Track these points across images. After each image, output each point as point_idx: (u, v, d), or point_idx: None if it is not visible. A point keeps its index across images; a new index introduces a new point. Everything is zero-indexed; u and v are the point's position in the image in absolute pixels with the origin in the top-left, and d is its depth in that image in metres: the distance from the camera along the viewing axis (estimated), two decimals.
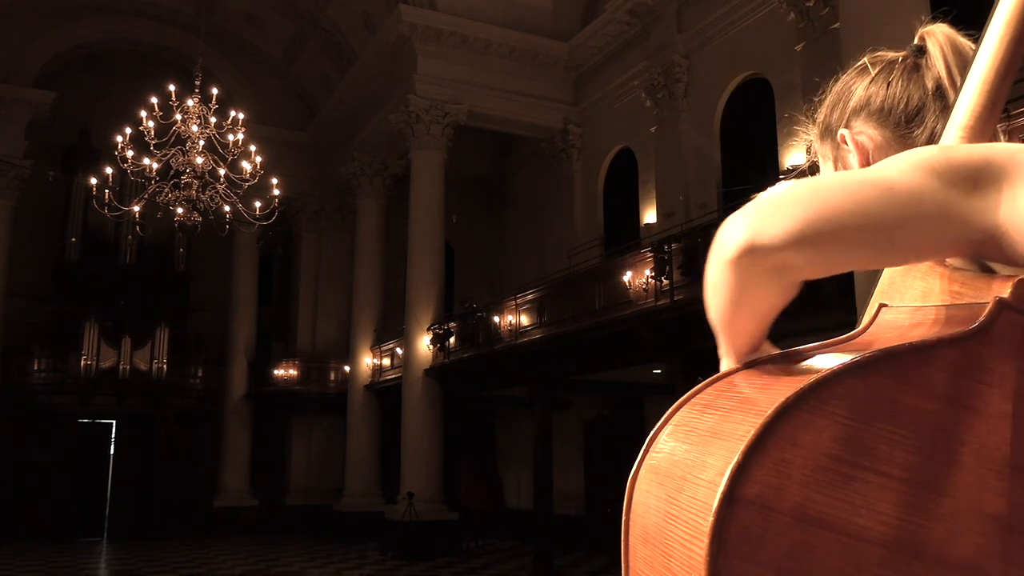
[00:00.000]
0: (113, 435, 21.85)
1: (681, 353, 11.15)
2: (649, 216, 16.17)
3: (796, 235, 0.62)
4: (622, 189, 17.44)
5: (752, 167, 13.53)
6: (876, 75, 0.96)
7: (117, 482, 21.53)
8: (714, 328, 0.74)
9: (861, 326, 0.76)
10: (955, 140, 0.80)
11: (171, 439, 21.57)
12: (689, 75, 15.31)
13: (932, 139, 0.89)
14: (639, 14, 15.96)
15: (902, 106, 0.93)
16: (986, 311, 0.63)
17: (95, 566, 16.84)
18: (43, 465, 20.07)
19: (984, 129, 0.80)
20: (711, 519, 0.58)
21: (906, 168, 0.67)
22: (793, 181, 0.68)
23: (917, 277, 0.76)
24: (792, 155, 12.87)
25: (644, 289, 11.72)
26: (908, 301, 0.75)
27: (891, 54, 0.97)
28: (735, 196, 13.52)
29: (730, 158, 14.43)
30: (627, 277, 12.25)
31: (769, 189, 0.68)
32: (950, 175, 0.66)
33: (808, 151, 1.05)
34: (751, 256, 0.64)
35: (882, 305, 0.77)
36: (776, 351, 0.75)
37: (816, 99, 1.03)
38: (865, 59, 0.99)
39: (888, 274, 0.80)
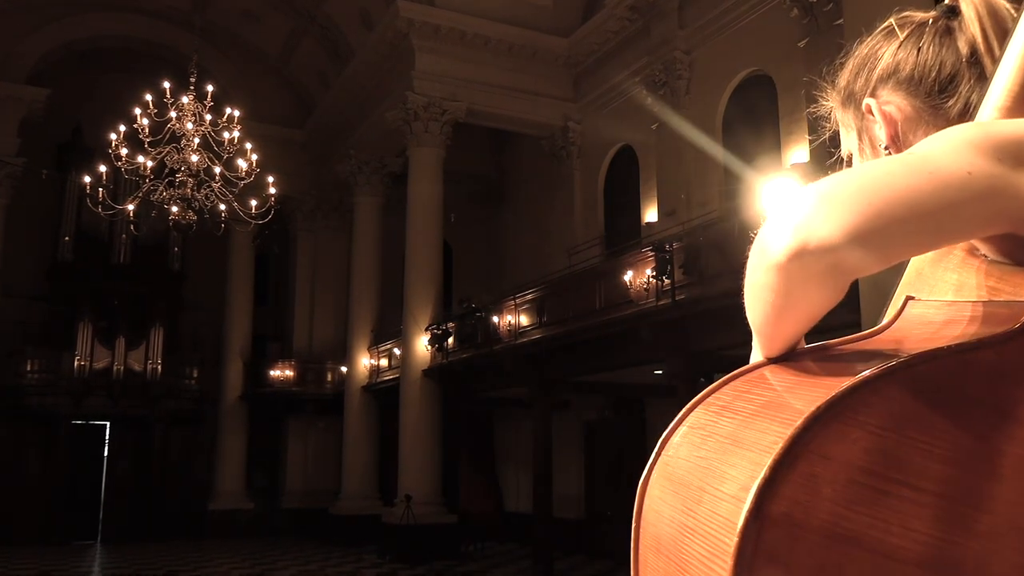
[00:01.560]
0: (107, 437, 21.84)
1: (682, 354, 11.12)
2: (650, 215, 16.15)
3: (851, 233, 0.58)
4: (623, 187, 17.42)
5: (755, 165, 13.50)
6: (905, 39, 0.90)
7: (111, 484, 21.51)
8: (753, 329, 0.70)
9: (886, 320, 0.71)
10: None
11: (165, 441, 21.57)
12: (691, 71, 15.29)
13: (966, 109, 0.84)
14: (640, 10, 15.94)
15: (934, 74, 0.87)
16: None
17: (88, 570, 16.80)
18: (35, 467, 20.05)
19: (1022, 110, 0.75)
20: (736, 539, 0.54)
21: (949, 148, 0.63)
22: (838, 173, 0.63)
23: (949, 269, 0.72)
24: (795, 152, 12.85)
25: (645, 289, 11.69)
26: (939, 294, 0.71)
27: (920, 15, 0.91)
28: (737, 195, 13.51)
29: (732, 156, 14.40)
30: (628, 276, 12.23)
31: (813, 183, 0.63)
32: (995, 150, 0.63)
33: (828, 119, 0.99)
34: (802, 259, 0.59)
35: (909, 298, 0.72)
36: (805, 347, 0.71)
37: (838, 61, 0.98)
38: (892, 20, 0.92)
39: (915, 264, 0.76)
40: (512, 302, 15.13)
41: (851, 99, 0.94)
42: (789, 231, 0.60)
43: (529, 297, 14.79)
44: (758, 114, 14.03)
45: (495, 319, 15.45)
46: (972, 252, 0.71)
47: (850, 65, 0.95)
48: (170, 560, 17.04)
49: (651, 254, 11.64)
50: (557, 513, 15.55)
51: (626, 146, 17.40)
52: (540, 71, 18.26)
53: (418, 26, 17.16)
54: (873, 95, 0.91)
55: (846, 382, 0.56)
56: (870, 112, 0.91)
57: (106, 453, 21.78)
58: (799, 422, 0.55)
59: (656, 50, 15.68)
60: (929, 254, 0.75)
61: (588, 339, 12.85)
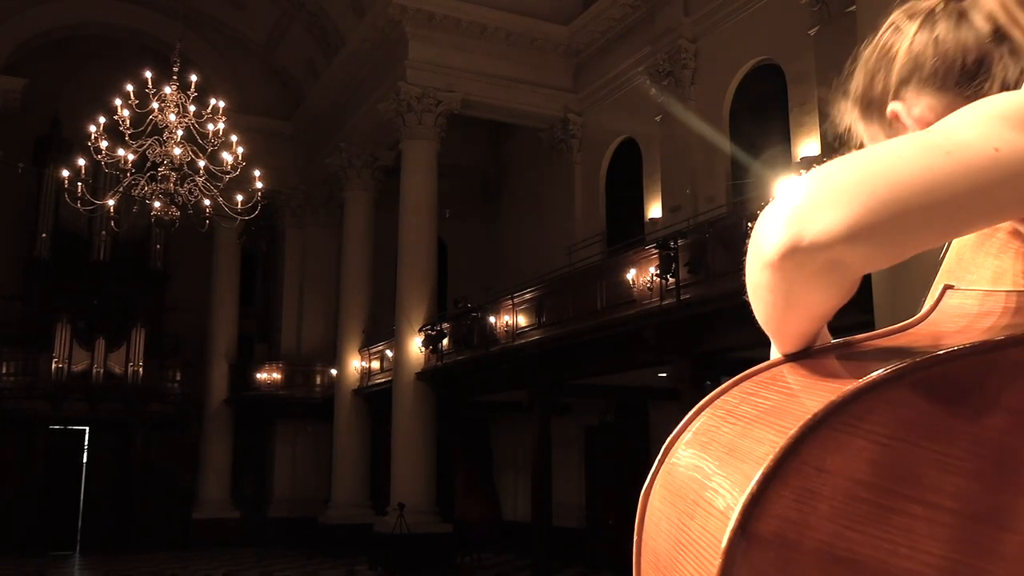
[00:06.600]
0: (86, 442, 21.80)
1: (687, 355, 11.11)
2: (654, 210, 16.13)
3: (852, 227, 0.53)
4: (625, 182, 17.40)
5: (763, 158, 13.48)
6: (917, 31, 0.85)
7: (90, 492, 21.47)
8: (762, 327, 0.66)
9: (924, 311, 0.67)
10: None
11: (147, 446, 21.52)
12: (696, 61, 15.27)
13: (1005, 88, 0.79)
14: None
15: (959, 62, 0.81)
16: None
17: None
18: (11, 474, 19.99)
19: None
20: (719, 560, 0.50)
21: (975, 122, 0.58)
22: (841, 157, 0.58)
23: (990, 255, 0.67)
24: (805, 145, 12.82)
25: (648, 288, 11.67)
26: (977, 283, 0.67)
27: (925, 2, 0.86)
28: (745, 189, 13.48)
29: (740, 149, 14.39)
30: (631, 275, 12.21)
31: (813, 169, 0.57)
32: None
33: (841, 134, 0.94)
34: (795, 257, 0.55)
35: (947, 287, 0.68)
36: (830, 340, 0.66)
37: (847, 70, 0.92)
38: (896, 14, 0.87)
39: (955, 249, 0.72)
40: (510, 302, 15.11)
41: (871, 107, 0.88)
42: (781, 226, 0.55)
43: (527, 297, 14.77)
44: (767, 105, 14.01)
45: (492, 319, 15.43)
46: (1015, 235, 0.67)
47: (861, 71, 0.89)
48: (152, 571, 17.01)
49: (655, 251, 11.62)
50: (556, 522, 15.53)
51: (629, 139, 17.38)
52: (539, 60, 18.23)
53: (411, 13, 17.13)
54: (897, 99, 0.86)
55: (849, 386, 0.52)
56: (897, 119, 0.86)
57: (85, 459, 21.73)
58: (793, 431, 0.51)
59: (660, 39, 15.66)
60: (970, 237, 0.70)
61: (589, 340, 12.83)
